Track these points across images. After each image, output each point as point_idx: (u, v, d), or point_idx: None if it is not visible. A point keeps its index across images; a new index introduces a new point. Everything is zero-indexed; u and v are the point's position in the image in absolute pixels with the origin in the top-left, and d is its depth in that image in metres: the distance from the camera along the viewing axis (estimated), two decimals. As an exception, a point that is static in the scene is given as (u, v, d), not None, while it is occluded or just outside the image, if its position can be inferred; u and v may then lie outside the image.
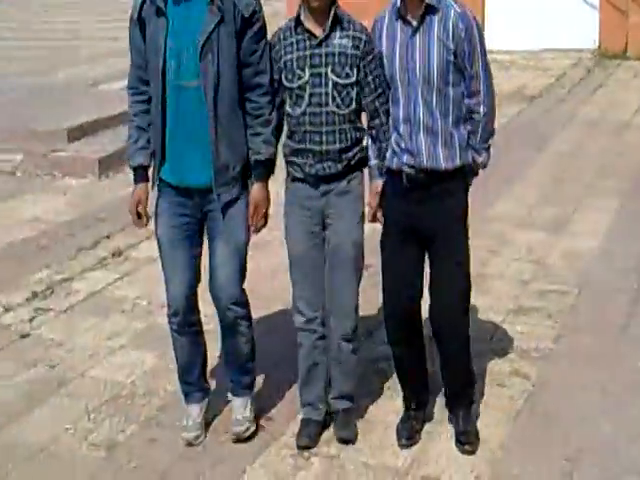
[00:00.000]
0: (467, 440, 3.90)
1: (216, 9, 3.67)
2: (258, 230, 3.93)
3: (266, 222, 3.95)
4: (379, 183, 3.92)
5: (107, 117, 9.90)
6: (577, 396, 4.31)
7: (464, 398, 4.03)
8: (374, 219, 3.99)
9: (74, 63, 14.54)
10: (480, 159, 3.86)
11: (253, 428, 4.06)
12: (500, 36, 13.85)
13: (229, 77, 3.73)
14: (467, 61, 3.69)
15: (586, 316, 5.16)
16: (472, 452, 3.85)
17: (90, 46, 16.71)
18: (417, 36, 3.70)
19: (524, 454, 3.86)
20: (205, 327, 4.18)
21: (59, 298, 5.76)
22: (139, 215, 3.98)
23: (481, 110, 3.76)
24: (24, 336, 5.23)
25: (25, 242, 6.87)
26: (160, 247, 3.98)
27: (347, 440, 3.97)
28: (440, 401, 4.19)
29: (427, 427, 4.07)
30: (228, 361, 4.18)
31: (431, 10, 3.67)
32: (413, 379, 4.09)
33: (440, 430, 4.06)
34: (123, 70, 12.75)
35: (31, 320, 5.43)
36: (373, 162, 3.92)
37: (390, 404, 4.27)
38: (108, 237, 6.83)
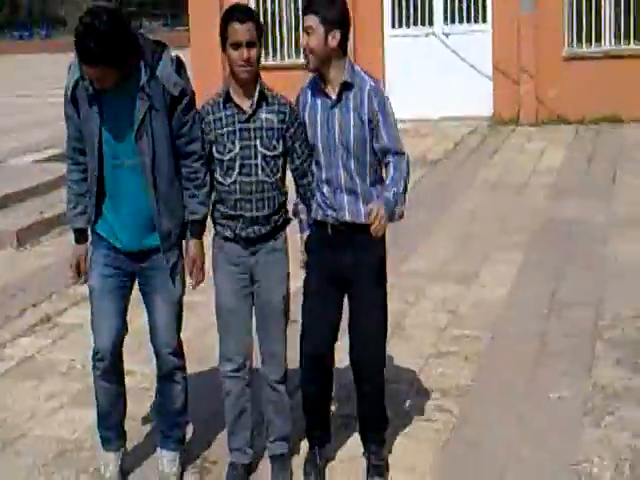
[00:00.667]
0: (379, 473, 4.21)
1: (146, 96, 3.90)
2: (197, 284, 4.20)
3: (204, 276, 4.22)
4: (307, 234, 4.28)
5: (19, 191, 10.13)
6: (497, 426, 4.66)
7: (379, 436, 4.32)
8: (306, 265, 4.30)
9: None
10: (400, 209, 4.15)
11: None
12: (401, 105, 14.47)
13: (164, 154, 4.00)
14: (382, 129, 4.03)
15: (499, 357, 5.55)
16: None
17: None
18: (336, 109, 4.05)
19: (453, 478, 4.18)
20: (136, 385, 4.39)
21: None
22: (79, 273, 4.23)
23: (403, 165, 4.07)
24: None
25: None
26: (91, 295, 4.18)
27: None
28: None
29: (360, 459, 4.36)
30: (161, 413, 4.37)
31: (348, 86, 4.04)
32: (319, 416, 4.35)
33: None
34: (31, 144, 13.06)
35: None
36: (303, 217, 4.27)
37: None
38: (34, 305, 6.97)
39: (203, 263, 4.19)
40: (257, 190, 4.06)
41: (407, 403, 4.96)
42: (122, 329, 4.19)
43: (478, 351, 5.62)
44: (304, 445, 4.46)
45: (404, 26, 15.17)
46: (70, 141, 4.15)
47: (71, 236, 4.28)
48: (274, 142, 4.05)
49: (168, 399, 4.28)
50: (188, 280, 4.22)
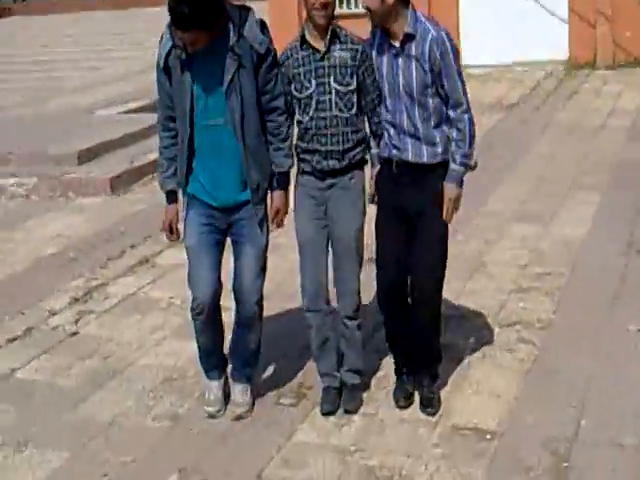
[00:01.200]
0: (429, 404, 4.44)
1: (235, 56, 4.16)
2: (274, 229, 4.51)
3: (282, 224, 4.51)
4: (377, 169, 4.53)
5: (110, 140, 10.53)
6: (578, 357, 4.89)
7: (430, 370, 4.53)
8: (373, 200, 4.55)
9: (63, 93, 15.08)
10: (471, 163, 4.41)
11: (251, 411, 4.57)
12: (474, 51, 14.57)
13: (252, 110, 4.25)
14: (443, 78, 4.20)
15: (579, 292, 5.76)
16: (434, 414, 4.39)
17: (73, 77, 17.29)
18: (399, 58, 4.24)
19: (536, 404, 4.44)
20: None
21: (98, 301, 6.29)
22: (171, 231, 4.54)
23: (465, 118, 4.27)
24: (73, 334, 5.76)
25: (54, 256, 7.40)
26: (188, 252, 4.46)
27: (351, 411, 4.48)
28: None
29: (448, 385, 4.65)
30: (235, 352, 4.65)
31: (410, 37, 4.19)
32: (402, 346, 4.57)
33: (462, 386, 4.64)
34: (111, 97, 13.49)
35: (76, 322, 5.95)
36: (374, 151, 4.50)
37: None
38: (132, 247, 7.37)
39: (286, 213, 4.49)
40: (331, 125, 4.31)
41: (490, 335, 5.21)
42: (219, 283, 4.45)
43: (559, 286, 5.84)
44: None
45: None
46: (162, 108, 4.43)
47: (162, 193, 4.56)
48: (347, 78, 4.27)
49: (243, 342, 4.58)
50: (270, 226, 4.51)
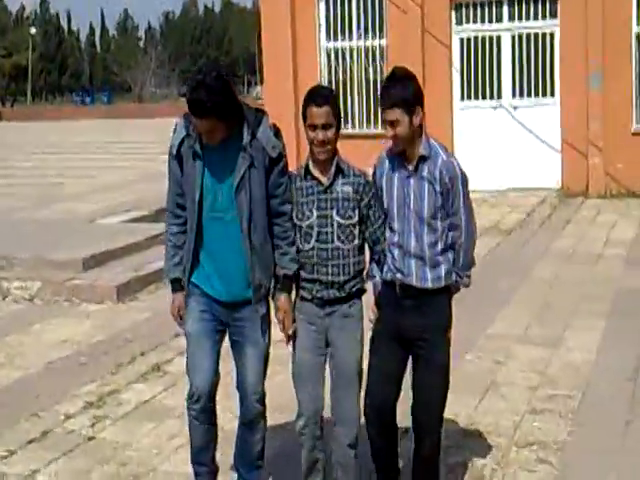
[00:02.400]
0: None
1: (247, 155, 4.27)
2: (288, 338, 4.50)
3: (295, 335, 4.49)
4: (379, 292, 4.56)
5: (114, 249, 10.68)
6: (597, 477, 4.97)
7: None
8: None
9: (61, 199, 15.32)
10: (462, 282, 4.55)
11: None
12: (469, 176, 14.99)
13: (260, 209, 4.34)
14: (450, 201, 4.32)
15: (592, 415, 5.86)
16: None
17: (72, 183, 17.58)
18: (412, 178, 4.35)
19: (561, 525, 4.51)
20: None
21: (112, 407, 6.31)
22: (181, 317, 4.58)
23: (460, 241, 4.40)
24: (90, 439, 5.78)
25: (64, 360, 7.44)
26: (188, 339, 4.52)
27: None
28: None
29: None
30: (241, 457, 4.67)
31: (424, 159, 4.33)
32: (388, 466, 4.61)
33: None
34: (110, 206, 13.71)
35: (92, 426, 5.97)
36: (377, 280, 4.54)
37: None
38: (142, 354, 7.43)
39: (292, 318, 4.49)
40: (333, 256, 4.39)
41: (508, 454, 5.28)
42: (216, 372, 4.49)
43: (571, 409, 5.94)
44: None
45: (473, 99, 15.67)
46: (172, 196, 4.52)
47: (167, 290, 4.68)
48: (349, 212, 4.37)
49: (249, 444, 4.60)
50: (279, 333, 4.54)
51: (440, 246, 4.38)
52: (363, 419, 4.58)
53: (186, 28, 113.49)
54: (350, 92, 16.31)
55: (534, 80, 15.30)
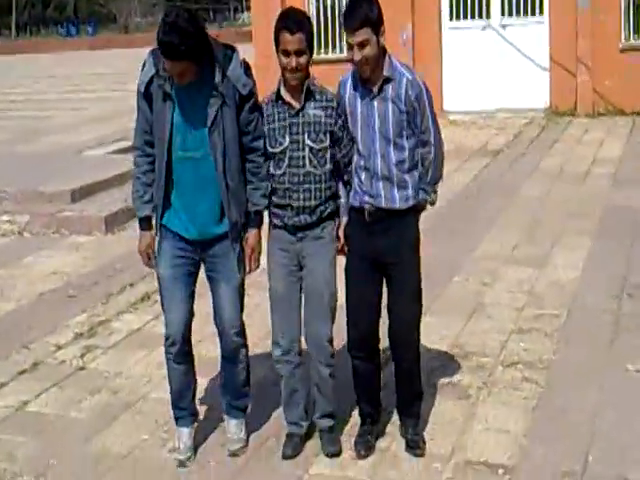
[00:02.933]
0: (416, 445, 4.51)
1: (219, 94, 4.23)
2: (251, 271, 4.53)
3: (259, 264, 4.54)
4: (346, 220, 4.55)
5: (102, 180, 10.65)
6: (581, 395, 5.05)
7: (413, 410, 4.61)
8: (342, 251, 4.57)
9: (49, 132, 15.22)
10: (429, 198, 4.54)
11: (246, 447, 4.64)
12: (457, 98, 14.95)
13: (233, 147, 4.32)
14: (417, 118, 4.34)
15: (577, 333, 5.93)
16: (422, 455, 4.46)
17: (60, 116, 17.45)
18: (375, 100, 4.33)
19: (544, 440, 4.57)
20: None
21: (103, 337, 6.37)
22: (148, 256, 4.56)
23: (430, 157, 4.41)
24: (81, 368, 5.84)
25: (55, 292, 7.48)
26: (161, 284, 4.51)
27: (334, 454, 4.53)
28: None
29: (458, 421, 4.78)
30: (226, 386, 4.71)
31: (388, 80, 4.31)
32: (370, 393, 4.64)
33: (471, 423, 4.77)
34: (100, 138, 13.64)
35: (82, 356, 6.03)
36: (343, 201, 4.53)
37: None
38: (131, 285, 7.46)
39: (260, 253, 4.52)
40: (305, 181, 4.37)
41: (495, 374, 5.35)
42: (191, 314, 4.53)
43: (557, 327, 6.00)
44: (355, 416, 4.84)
45: (462, 18, 15.46)
46: (139, 133, 4.44)
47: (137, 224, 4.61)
48: (321, 135, 4.35)
49: (232, 375, 4.64)
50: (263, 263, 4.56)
51: (407, 165, 4.39)
52: (345, 345, 4.64)
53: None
54: (338, 16, 16.04)
55: (523, -2, 15.08)
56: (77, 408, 5.28)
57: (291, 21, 4.28)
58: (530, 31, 14.97)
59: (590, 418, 4.78)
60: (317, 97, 4.37)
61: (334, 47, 15.93)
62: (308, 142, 4.35)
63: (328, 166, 4.41)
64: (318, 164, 4.38)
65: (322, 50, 15.65)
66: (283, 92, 4.38)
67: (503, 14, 15.24)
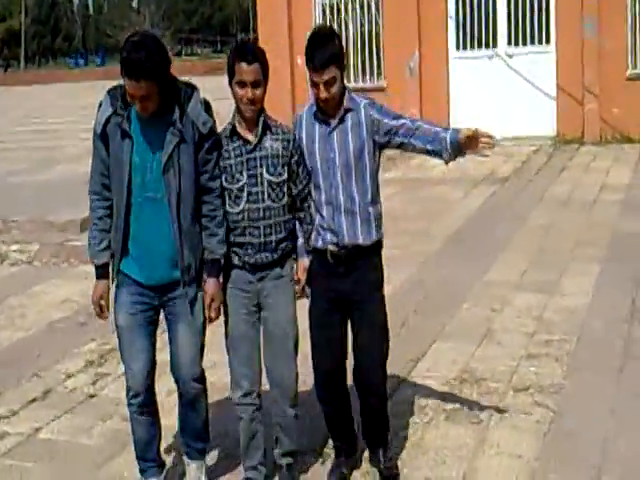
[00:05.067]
0: (390, 475, 4.47)
1: (177, 131, 4.09)
2: (212, 321, 4.35)
3: (219, 314, 4.35)
4: (306, 261, 4.43)
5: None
6: (592, 419, 5.03)
7: (382, 440, 4.52)
8: (302, 294, 4.46)
9: (61, 162, 15.31)
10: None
11: None
12: (465, 125, 14.96)
13: (189, 188, 4.16)
14: (384, 119, 4.24)
15: (587, 358, 5.92)
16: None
17: (71, 145, 17.56)
18: (334, 132, 4.27)
19: (556, 465, 4.56)
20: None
21: (113, 364, 6.35)
22: (101, 308, 4.39)
23: (420, 126, 4.25)
24: (92, 396, 5.84)
25: (65, 320, 7.50)
26: (120, 335, 4.34)
27: None
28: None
29: (469, 446, 4.78)
30: (184, 430, 4.55)
31: (348, 111, 4.26)
32: (342, 431, 4.59)
33: (483, 447, 4.76)
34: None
35: (93, 383, 6.04)
36: (300, 241, 4.41)
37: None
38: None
39: (220, 302, 4.34)
40: (265, 216, 4.26)
41: (506, 399, 5.34)
42: (152, 364, 4.38)
43: (567, 352, 6.00)
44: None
45: (468, 48, 15.58)
46: (96, 176, 4.26)
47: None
48: (279, 168, 4.25)
49: (191, 419, 4.49)
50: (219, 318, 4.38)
51: (369, 195, 4.32)
52: (313, 385, 4.56)
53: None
54: (345, 46, 16.15)
55: (529, 28, 15.17)
56: (88, 435, 5.28)
57: (247, 51, 4.19)
58: (537, 60, 15.09)
59: (602, 443, 4.77)
60: (273, 130, 4.28)
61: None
62: (266, 176, 4.25)
63: (286, 199, 4.32)
64: (277, 197, 4.28)
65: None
66: (238, 127, 4.27)
67: (510, 43, 15.37)
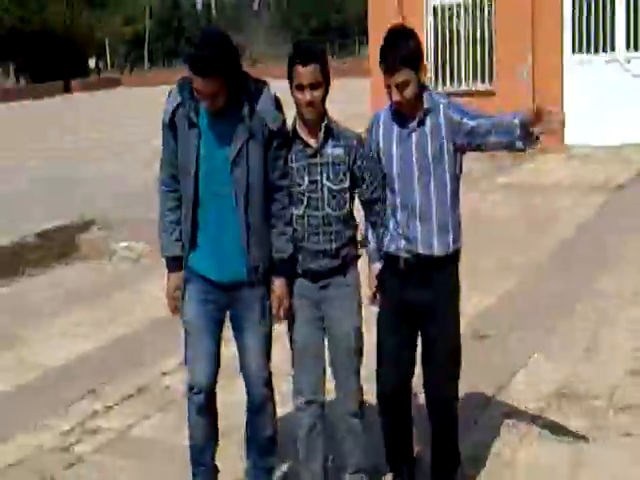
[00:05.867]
0: None
1: (246, 127, 3.97)
2: (279, 321, 4.22)
3: (288, 314, 4.21)
4: (377, 266, 4.28)
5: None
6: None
7: (446, 474, 4.31)
8: (373, 301, 4.32)
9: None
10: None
11: None
12: (579, 133, 14.55)
13: (258, 184, 4.04)
14: (465, 119, 4.01)
15: (697, 378, 5.65)
16: None
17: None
18: (413, 134, 4.08)
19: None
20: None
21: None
22: (175, 302, 4.27)
23: (496, 118, 4.01)
24: (186, 395, 5.88)
25: (167, 318, 7.41)
26: (187, 331, 4.24)
27: None
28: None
29: (565, 467, 4.58)
30: (251, 443, 4.40)
31: (428, 111, 4.06)
32: (401, 451, 4.39)
33: (578, 470, 4.57)
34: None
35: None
36: (372, 246, 4.29)
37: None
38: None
39: (288, 303, 4.19)
40: (324, 223, 4.12)
41: (606, 418, 5.13)
42: (217, 364, 4.27)
43: (675, 372, 5.74)
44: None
45: (585, 52, 15.16)
46: (166, 167, 4.18)
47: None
48: (341, 176, 4.10)
49: (259, 429, 4.35)
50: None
51: (449, 202, 4.12)
52: (374, 401, 4.38)
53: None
54: (457, 50, 15.98)
55: (649, 31, 14.68)
56: (180, 434, 5.29)
57: (304, 52, 4.02)
58: (657, 64, 14.57)
59: None
60: (336, 135, 4.12)
61: (452, 80, 15.86)
62: (327, 183, 4.11)
63: (347, 207, 4.16)
64: (337, 205, 4.13)
65: (445, 83, 15.65)
66: (299, 130, 4.12)
67: (628, 47, 14.88)
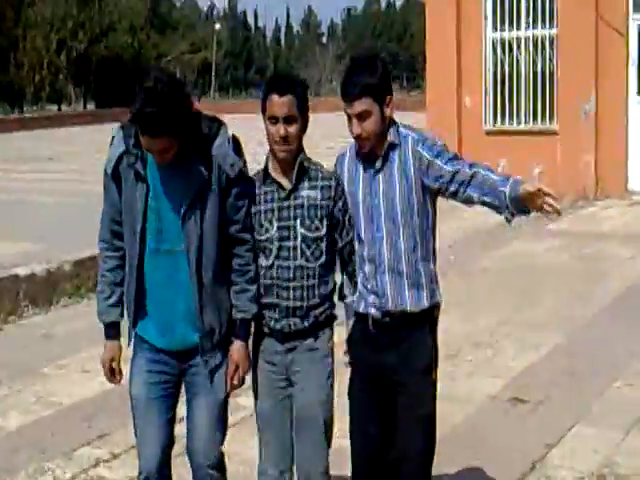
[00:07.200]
0: None
1: (200, 175, 3.56)
2: (232, 389, 3.80)
3: (243, 382, 3.82)
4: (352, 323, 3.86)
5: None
6: None
7: None
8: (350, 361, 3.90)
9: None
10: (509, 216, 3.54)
11: None
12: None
13: (212, 239, 3.62)
14: (444, 165, 3.57)
15: None
16: None
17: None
18: (379, 175, 3.65)
19: None
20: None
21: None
22: (113, 372, 3.85)
23: (477, 173, 3.55)
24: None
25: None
26: (134, 407, 3.80)
27: None
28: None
29: None
30: None
31: (393, 147, 3.64)
32: None
33: None
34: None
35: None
36: (349, 300, 3.85)
37: None
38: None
39: (246, 371, 3.78)
40: (295, 277, 3.68)
41: None
42: (169, 444, 3.82)
43: None
44: None
45: (651, 92, 14.50)
46: (107, 222, 3.77)
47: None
48: (317, 222, 3.67)
49: None
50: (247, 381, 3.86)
51: (420, 252, 3.66)
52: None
53: (367, 23, 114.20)
54: (517, 85, 15.43)
55: None
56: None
57: (281, 81, 3.66)
58: None
59: None
60: (312, 175, 3.69)
61: (511, 118, 15.31)
62: (301, 230, 3.66)
63: (324, 258, 3.71)
64: (312, 256, 3.68)
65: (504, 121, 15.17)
66: (272, 169, 3.71)
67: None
